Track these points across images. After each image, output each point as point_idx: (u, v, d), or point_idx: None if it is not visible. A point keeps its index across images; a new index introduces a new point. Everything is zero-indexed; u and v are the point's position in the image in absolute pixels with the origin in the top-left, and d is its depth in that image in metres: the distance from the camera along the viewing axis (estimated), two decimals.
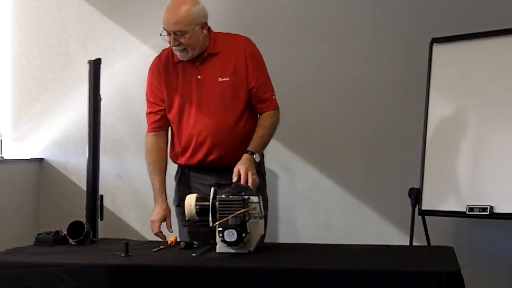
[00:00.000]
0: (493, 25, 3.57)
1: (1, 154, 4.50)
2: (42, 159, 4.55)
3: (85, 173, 3.13)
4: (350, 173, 4.17)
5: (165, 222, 3.01)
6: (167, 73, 3.03)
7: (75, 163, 4.46)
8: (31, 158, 4.53)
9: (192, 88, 2.98)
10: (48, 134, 4.53)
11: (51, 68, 4.54)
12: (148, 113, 3.11)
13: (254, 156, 2.87)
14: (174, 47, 2.91)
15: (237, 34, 3.06)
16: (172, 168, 3.15)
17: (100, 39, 4.46)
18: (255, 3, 4.26)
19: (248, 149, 2.89)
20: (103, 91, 3.16)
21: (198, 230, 2.90)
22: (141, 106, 4.39)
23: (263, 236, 2.95)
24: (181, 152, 3.05)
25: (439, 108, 3.64)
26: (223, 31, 3.09)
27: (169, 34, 2.89)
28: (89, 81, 3.12)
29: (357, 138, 4.16)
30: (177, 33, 2.87)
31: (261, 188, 3.04)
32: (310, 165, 4.23)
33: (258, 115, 3.06)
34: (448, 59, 3.68)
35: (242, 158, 2.84)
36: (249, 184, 2.71)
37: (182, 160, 3.06)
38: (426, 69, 3.69)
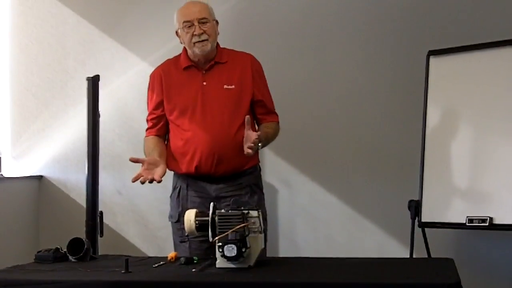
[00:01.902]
0: (489, 37, 3.59)
1: (1, 171, 4.51)
2: (41, 176, 4.56)
3: (85, 190, 3.14)
4: (349, 187, 4.17)
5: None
6: (169, 79, 3.08)
7: (75, 180, 4.46)
8: (31, 176, 4.53)
9: (197, 94, 3.02)
10: (47, 151, 4.53)
11: (50, 85, 4.55)
12: (148, 120, 3.19)
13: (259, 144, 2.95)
14: (197, 37, 2.97)
15: (242, 51, 3.16)
16: (167, 182, 3.14)
17: (99, 56, 4.48)
18: (253, 12, 4.27)
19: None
20: (102, 108, 3.18)
21: (199, 245, 2.88)
22: (140, 122, 4.42)
23: (264, 250, 2.96)
24: (181, 156, 3.05)
25: (437, 120, 3.65)
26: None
27: (190, 26, 2.98)
28: (88, 98, 3.13)
29: (355, 151, 4.16)
30: (202, 20, 2.98)
31: (258, 201, 3.05)
32: (309, 179, 4.23)
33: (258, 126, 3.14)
34: (445, 71, 3.69)
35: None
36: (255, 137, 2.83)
37: (183, 168, 3.06)
38: (423, 81, 3.70)
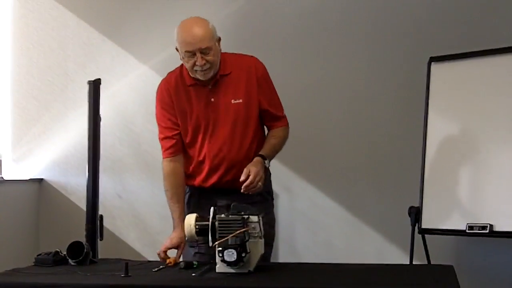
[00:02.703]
0: (491, 44, 3.59)
1: (1, 174, 4.51)
2: (42, 179, 4.56)
3: (85, 193, 3.13)
4: (349, 192, 4.17)
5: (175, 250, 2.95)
6: (178, 96, 2.99)
7: (75, 184, 4.46)
8: (31, 179, 4.53)
9: (206, 112, 2.95)
10: (47, 154, 4.53)
11: (51, 88, 4.56)
12: (162, 139, 3.05)
13: (265, 161, 2.88)
14: (200, 67, 2.85)
15: (245, 54, 3.06)
16: None
17: (100, 59, 4.48)
18: (255, 16, 4.27)
19: (260, 152, 2.91)
20: (102, 111, 3.17)
21: (208, 250, 2.82)
22: (141, 126, 4.46)
23: (269, 256, 2.95)
24: (195, 174, 3.02)
25: (438, 127, 3.65)
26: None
27: (193, 55, 2.84)
28: (89, 101, 3.13)
29: (356, 157, 4.16)
30: (204, 50, 2.84)
31: (269, 209, 3.04)
32: (309, 184, 4.23)
33: (267, 131, 3.09)
34: (446, 78, 3.69)
35: (253, 160, 2.86)
36: (253, 187, 2.76)
37: (196, 182, 3.03)
38: (425, 88, 3.70)
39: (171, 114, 3.00)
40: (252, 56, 3.05)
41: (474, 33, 3.89)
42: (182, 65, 2.99)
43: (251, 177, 2.76)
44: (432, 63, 3.72)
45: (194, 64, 2.85)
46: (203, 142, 2.97)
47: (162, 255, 2.89)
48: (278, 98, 3.09)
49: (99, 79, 3.18)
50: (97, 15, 4.53)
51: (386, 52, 4.10)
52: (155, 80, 4.37)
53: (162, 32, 4.36)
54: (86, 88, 3.16)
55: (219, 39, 2.92)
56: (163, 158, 3.06)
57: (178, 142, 3.02)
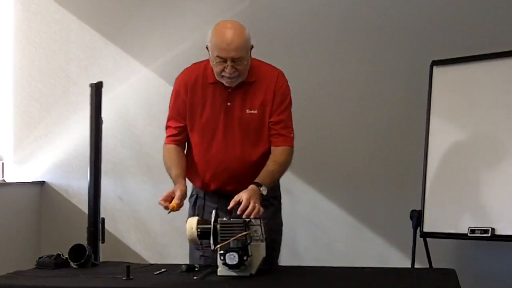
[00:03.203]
0: (493, 48, 3.60)
1: (3, 177, 4.51)
2: (43, 182, 4.56)
3: (87, 196, 3.13)
4: (351, 195, 4.17)
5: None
6: (194, 92, 2.92)
7: (77, 186, 4.46)
8: (33, 181, 4.54)
9: (220, 115, 2.89)
10: (49, 157, 4.54)
11: (53, 91, 4.56)
12: (168, 126, 3.01)
13: (261, 188, 2.73)
14: (228, 74, 2.78)
15: (272, 66, 2.98)
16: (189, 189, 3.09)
17: (102, 62, 4.49)
18: (259, 19, 4.27)
19: (255, 180, 2.77)
20: (104, 114, 3.17)
21: (213, 253, 2.79)
22: (143, 128, 4.46)
23: (276, 260, 2.93)
24: (198, 176, 2.98)
25: (440, 130, 3.65)
26: None
27: (223, 62, 2.76)
28: (91, 104, 3.13)
29: (358, 160, 4.16)
30: (236, 60, 2.76)
31: (275, 214, 3.01)
32: (311, 187, 4.23)
33: (272, 148, 2.94)
34: (448, 82, 3.69)
35: (247, 188, 2.70)
36: (248, 213, 2.57)
37: (199, 184, 3.00)
38: (427, 91, 3.70)
39: (181, 107, 2.94)
40: (278, 69, 2.97)
41: (476, 37, 3.89)
42: (208, 60, 2.90)
43: (243, 203, 2.61)
44: (434, 66, 3.72)
45: (223, 70, 2.78)
46: (210, 145, 2.91)
47: (163, 202, 2.79)
48: (291, 117, 2.97)
49: (101, 82, 3.18)
50: (100, 18, 4.53)
51: (388, 56, 4.10)
52: (157, 83, 4.42)
53: (164, 36, 4.39)
54: (88, 91, 3.16)
55: (252, 47, 2.85)
56: (165, 143, 3.02)
57: (181, 134, 2.97)
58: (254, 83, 2.89)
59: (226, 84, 2.85)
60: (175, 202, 2.72)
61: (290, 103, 2.97)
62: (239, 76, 2.81)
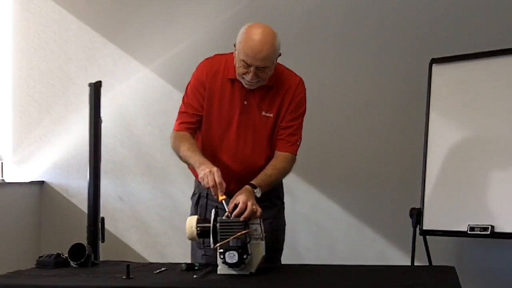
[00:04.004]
0: (492, 46, 3.60)
1: (2, 177, 4.51)
2: (43, 182, 4.56)
3: (86, 196, 3.12)
4: (351, 195, 4.17)
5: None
6: (213, 84, 2.86)
7: (76, 186, 4.46)
8: (32, 181, 4.54)
9: (235, 113, 2.85)
10: (49, 157, 4.54)
11: (52, 91, 4.57)
12: (184, 112, 2.90)
13: (255, 190, 2.70)
14: (249, 80, 2.74)
15: (293, 72, 2.94)
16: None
17: (101, 62, 4.49)
18: (258, 19, 4.23)
19: (251, 182, 2.74)
20: (104, 114, 3.16)
21: (214, 253, 2.76)
22: (142, 128, 4.46)
23: (279, 260, 2.93)
24: None
25: (439, 128, 3.65)
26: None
27: (247, 66, 2.71)
28: (90, 103, 3.12)
29: (358, 159, 4.16)
30: (261, 68, 2.71)
31: (278, 214, 2.99)
32: (311, 187, 4.23)
33: (275, 153, 2.91)
34: (448, 80, 3.69)
35: (242, 189, 2.67)
36: (245, 216, 2.53)
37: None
38: (426, 89, 3.70)
39: (201, 96, 2.87)
40: (298, 76, 2.94)
41: (475, 35, 3.89)
42: (231, 55, 2.86)
43: (239, 206, 2.55)
44: (433, 64, 3.72)
45: (245, 73, 2.74)
46: (221, 141, 2.87)
47: (219, 186, 2.62)
48: (300, 128, 2.94)
49: (100, 81, 3.17)
50: (99, 18, 4.53)
51: (387, 54, 4.10)
52: (156, 82, 4.42)
53: (163, 35, 4.39)
54: (87, 91, 3.15)
55: (279, 55, 2.79)
56: (176, 130, 2.89)
57: (197, 122, 2.89)
58: (274, 88, 2.86)
59: (245, 86, 2.82)
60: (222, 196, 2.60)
61: (303, 113, 2.94)
62: (260, 82, 2.78)
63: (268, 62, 2.72)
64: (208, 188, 2.64)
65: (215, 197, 2.64)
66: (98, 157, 3.12)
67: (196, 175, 2.99)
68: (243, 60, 2.71)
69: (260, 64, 2.70)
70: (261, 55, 2.69)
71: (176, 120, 2.93)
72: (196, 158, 2.75)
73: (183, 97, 2.94)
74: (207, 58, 2.94)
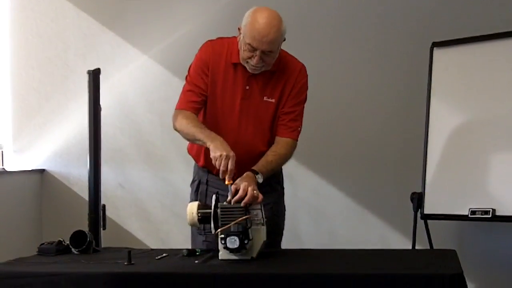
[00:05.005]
0: (494, 29, 3.58)
1: (2, 165, 4.51)
2: (43, 170, 4.56)
3: (87, 184, 3.13)
4: (352, 179, 4.17)
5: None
6: (216, 67, 2.84)
7: (77, 174, 4.46)
8: (33, 169, 4.54)
9: (237, 97, 2.84)
10: (49, 145, 4.53)
11: (51, 79, 4.55)
12: (188, 91, 2.86)
13: (257, 176, 2.69)
14: (254, 64, 2.73)
15: (296, 58, 2.93)
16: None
17: (99, 50, 4.47)
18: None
19: (252, 168, 2.73)
20: (103, 102, 3.16)
21: (215, 239, 2.75)
22: (142, 116, 4.46)
23: (279, 245, 2.94)
24: (203, 152, 2.89)
25: (440, 112, 3.64)
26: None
27: (252, 50, 2.70)
28: (89, 91, 3.12)
29: (358, 143, 4.16)
30: (266, 52, 2.71)
31: (278, 199, 3.00)
32: (312, 172, 4.23)
33: (276, 139, 2.90)
34: (449, 63, 3.68)
35: (243, 175, 2.65)
36: (246, 201, 2.53)
37: (202, 162, 2.94)
38: (427, 73, 3.69)
39: (206, 75, 2.84)
40: (301, 63, 2.93)
41: (477, 18, 3.88)
42: (234, 39, 2.84)
43: (240, 192, 2.55)
44: (435, 48, 3.71)
45: (250, 58, 2.73)
46: (221, 127, 2.84)
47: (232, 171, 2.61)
48: (301, 114, 2.93)
49: (99, 69, 3.16)
50: (97, 5, 4.51)
51: (388, 38, 4.09)
52: (155, 70, 4.41)
53: (162, 22, 4.36)
54: (86, 79, 3.14)
55: (284, 40, 2.78)
56: (180, 109, 2.85)
57: (202, 102, 2.85)
58: (276, 73, 2.85)
59: (249, 71, 2.80)
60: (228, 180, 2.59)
61: (305, 99, 2.94)
62: (264, 66, 2.77)
63: (274, 46, 2.71)
64: (216, 170, 2.62)
65: (222, 179, 2.61)
66: (98, 145, 3.12)
67: (194, 156, 2.99)
68: (249, 44, 2.70)
69: (267, 48, 2.69)
70: (267, 39, 2.68)
71: (180, 99, 2.88)
72: (206, 133, 2.72)
73: (186, 77, 2.91)
74: (210, 40, 2.92)
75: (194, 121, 2.80)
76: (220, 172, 2.61)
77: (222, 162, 2.59)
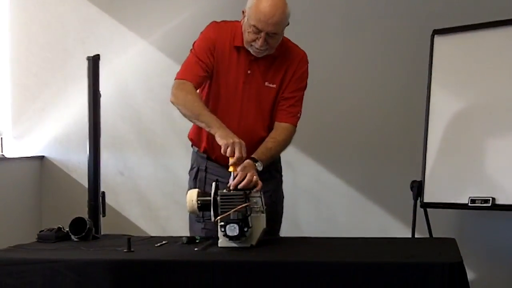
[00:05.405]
0: (495, 16, 3.56)
1: (2, 152, 4.51)
2: (43, 156, 4.56)
3: (87, 170, 3.12)
4: (352, 167, 4.16)
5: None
6: (221, 48, 2.82)
7: (76, 161, 4.45)
8: (32, 156, 4.53)
9: (239, 81, 2.83)
10: (48, 131, 4.53)
11: (50, 65, 4.53)
12: (195, 62, 2.81)
13: (257, 164, 2.67)
14: (258, 47, 2.72)
15: (297, 46, 2.93)
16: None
17: (99, 35, 4.45)
18: None
19: (252, 156, 2.69)
20: (102, 88, 3.14)
21: (214, 226, 2.74)
22: (142, 102, 4.45)
23: (277, 232, 2.93)
24: (204, 136, 2.89)
25: (441, 100, 3.63)
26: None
27: (257, 32, 2.70)
28: (88, 77, 3.10)
29: (358, 132, 4.15)
30: (271, 34, 2.70)
31: (276, 186, 3.00)
32: (312, 160, 4.22)
33: (275, 124, 2.88)
34: (450, 51, 3.67)
35: (243, 163, 2.62)
36: (244, 184, 2.53)
37: (202, 147, 2.93)
38: (428, 61, 3.67)
39: (211, 53, 2.81)
40: (302, 50, 2.93)
41: (478, 5, 3.86)
42: (237, 23, 2.84)
43: (238, 176, 2.55)
44: (436, 35, 3.69)
45: (254, 40, 2.72)
46: (223, 111, 2.82)
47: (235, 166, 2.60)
48: (301, 101, 2.93)
49: (98, 55, 3.14)
50: None
51: (389, 25, 4.07)
52: (155, 55, 4.39)
53: (161, 7, 4.34)
54: (85, 64, 3.13)
55: (287, 24, 2.78)
56: (181, 78, 2.79)
57: (204, 78, 2.82)
58: (278, 59, 2.85)
59: (253, 54, 2.79)
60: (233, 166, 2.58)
61: (305, 86, 2.94)
62: (268, 49, 2.77)
63: (279, 29, 2.72)
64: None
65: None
66: (98, 132, 3.11)
67: (193, 140, 2.97)
68: (254, 26, 2.70)
69: (272, 30, 2.69)
70: (273, 20, 2.68)
71: (184, 69, 2.84)
72: (213, 118, 2.69)
73: (191, 50, 2.87)
74: (215, 21, 2.90)
75: (200, 100, 2.78)
76: (230, 160, 2.58)
77: (235, 150, 2.57)
